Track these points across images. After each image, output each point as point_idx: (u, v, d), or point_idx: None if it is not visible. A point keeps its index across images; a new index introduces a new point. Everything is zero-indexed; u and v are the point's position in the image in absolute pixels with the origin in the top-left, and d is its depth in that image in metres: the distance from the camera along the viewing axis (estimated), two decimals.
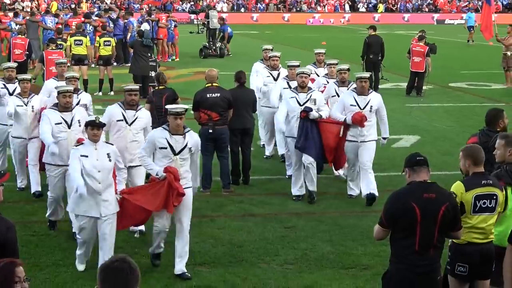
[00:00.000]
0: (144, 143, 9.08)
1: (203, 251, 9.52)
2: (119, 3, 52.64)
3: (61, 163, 9.90)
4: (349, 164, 11.90)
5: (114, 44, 23.08)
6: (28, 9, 45.03)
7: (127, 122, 10.07)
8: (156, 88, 12.77)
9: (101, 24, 26.75)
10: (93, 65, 24.40)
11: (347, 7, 65.58)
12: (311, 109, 11.44)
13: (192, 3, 60.23)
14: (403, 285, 6.24)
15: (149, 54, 21.57)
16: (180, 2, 61.34)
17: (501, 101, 20.62)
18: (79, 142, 9.15)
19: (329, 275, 8.84)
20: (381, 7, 64.72)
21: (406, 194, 6.27)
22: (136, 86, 10.36)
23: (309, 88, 11.86)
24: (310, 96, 11.64)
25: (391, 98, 19.76)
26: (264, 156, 14.40)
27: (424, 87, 22.36)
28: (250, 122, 12.72)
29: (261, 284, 8.56)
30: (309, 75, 12.13)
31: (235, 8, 62.85)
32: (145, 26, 24.23)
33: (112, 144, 8.99)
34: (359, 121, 11.36)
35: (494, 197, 6.78)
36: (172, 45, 31.06)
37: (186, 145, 8.70)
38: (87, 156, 8.52)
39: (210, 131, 11.83)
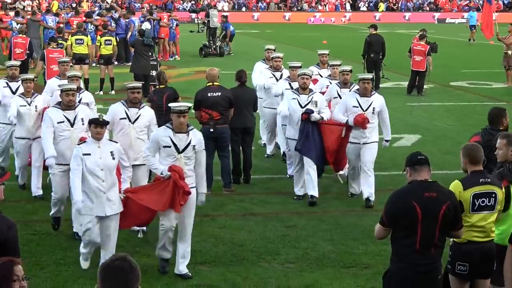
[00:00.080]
0: (148, 143, 9.05)
1: (204, 250, 9.51)
2: (120, 2, 52.56)
3: (64, 162, 9.83)
4: (350, 166, 11.89)
5: (115, 43, 23.05)
6: (29, 8, 45.04)
7: (130, 120, 10.03)
8: (157, 87, 12.76)
9: (102, 23, 26.74)
10: (94, 64, 24.39)
11: (348, 6, 65.54)
12: (312, 111, 11.42)
13: (193, 2, 60.24)
14: (404, 284, 6.24)
15: (150, 53, 21.55)
16: (181, 1, 61.31)
17: (502, 100, 20.62)
18: (82, 140, 9.14)
19: (330, 274, 8.83)
20: (382, 6, 64.69)
21: (407, 193, 6.27)
22: (139, 84, 10.34)
23: (311, 90, 11.84)
24: (312, 98, 11.61)
25: (392, 97, 19.74)
26: (265, 155, 14.39)
27: (425, 86, 22.34)
28: (251, 121, 12.72)
29: (262, 283, 8.55)
30: (311, 77, 12.09)
31: (236, 7, 62.84)
32: (146, 25, 24.22)
33: (116, 142, 8.95)
34: (361, 123, 11.32)
35: (493, 195, 6.77)
36: (174, 44, 31.06)
37: (189, 143, 8.66)
38: (89, 154, 8.48)
39: (211, 130, 11.82)
